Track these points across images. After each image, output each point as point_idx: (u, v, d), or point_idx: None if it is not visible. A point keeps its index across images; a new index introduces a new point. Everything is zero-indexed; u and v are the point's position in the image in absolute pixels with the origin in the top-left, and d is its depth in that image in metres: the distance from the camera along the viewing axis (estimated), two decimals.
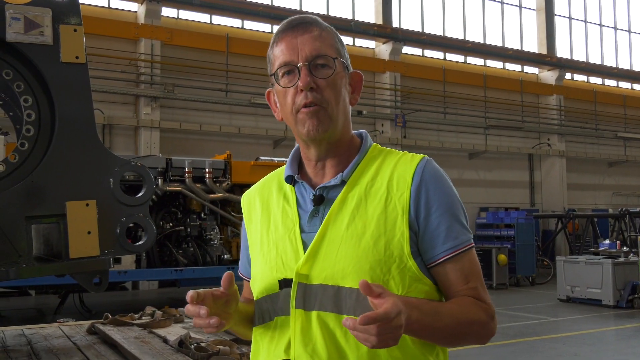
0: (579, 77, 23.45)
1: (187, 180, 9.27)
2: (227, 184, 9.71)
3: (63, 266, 2.93)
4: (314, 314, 1.24)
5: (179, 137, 14.92)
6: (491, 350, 7.16)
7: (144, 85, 14.57)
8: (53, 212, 2.87)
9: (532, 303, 11.74)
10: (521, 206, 20.71)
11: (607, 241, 13.62)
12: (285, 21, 1.36)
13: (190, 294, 1.16)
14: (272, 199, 1.42)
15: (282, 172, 1.46)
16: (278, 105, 1.38)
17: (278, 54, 1.33)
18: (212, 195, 9.42)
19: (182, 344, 3.09)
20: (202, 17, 16.13)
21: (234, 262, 9.68)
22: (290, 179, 1.39)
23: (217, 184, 9.60)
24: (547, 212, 20.16)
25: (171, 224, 9.43)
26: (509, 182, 21.16)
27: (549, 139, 21.58)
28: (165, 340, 3.30)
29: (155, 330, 3.68)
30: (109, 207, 2.99)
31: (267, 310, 1.32)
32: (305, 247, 1.29)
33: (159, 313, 4.24)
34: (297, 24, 1.33)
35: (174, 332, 3.60)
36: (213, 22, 16.28)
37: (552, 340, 7.36)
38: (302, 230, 1.31)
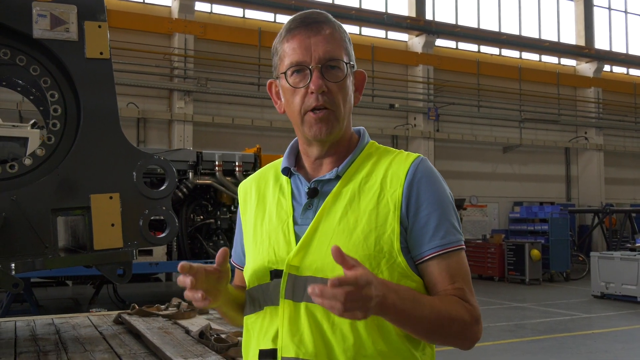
0: (618, 69, 22.85)
1: (217, 173, 9.37)
2: None
3: (87, 257, 3.01)
4: (302, 305, 1.26)
5: (211, 130, 15.09)
6: (520, 346, 7.08)
7: (177, 79, 14.76)
8: (78, 205, 2.94)
9: (565, 299, 11.54)
10: (557, 201, 20.33)
11: None
12: (297, 16, 1.36)
13: (181, 264, 1.17)
14: (268, 190, 1.44)
15: (279, 163, 1.48)
16: (283, 99, 1.39)
17: (289, 52, 1.33)
18: None
19: (202, 335, 3.14)
20: (235, 12, 16.25)
21: None
22: (286, 171, 1.41)
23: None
24: (584, 206, 19.75)
25: (202, 217, 9.55)
26: (545, 177, 20.79)
27: (586, 132, 21.13)
28: (187, 331, 3.36)
29: (179, 321, 3.75)
30: (132, 200, 3.05)
31: (258, 300, 1.34)
32: (297, 239, 1.31)
33: (184, 304, 4.32)
34: (311, 22, 1.33)
35: (197, 324, 3.66)
36: (246, 16, 16.39)
37: (584, 336, 7.24)
38: (295, 223, 1.33)
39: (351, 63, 1.36)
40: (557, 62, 21.49)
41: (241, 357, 3.01)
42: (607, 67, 22.04)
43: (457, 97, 18.29)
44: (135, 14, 14.28)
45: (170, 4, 15.17)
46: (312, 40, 1.31)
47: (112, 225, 3.00)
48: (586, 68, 21.46)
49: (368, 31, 18.02)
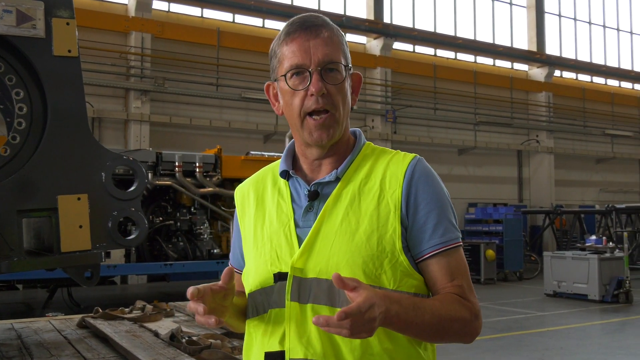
0: (568, 75, 23.59)
1: (177, 174, 9.26)
2: (218, 178, 9.70)
3: (55, 260, 2.93)
4: (308, 306, 1.27)
5: (168, 131, 14.88)
6: (480, 344, 7.23)
7: (134, 78, 14.50)
8: (45, 206, 2.87)
9: (520, 298, 11.84)
10: (510, 202, 20.84)
11: (593, 237, 13.75)
12: (295, 20, 1.38)
13: (190, 290, 1.19)
14: (266, 194, 1.45)
15: (276, 166, 1.48)
16: (281, 101, 1.40)
17: (289, 54, 1.34)
18: (202, 190, 9.42)
19: (173, 338, 3.10)
20: (193, 11, 16.06)
21: (224, 256, 9.69)
22: (285, 174, 1.42)
23: (208, 178, 9.60)
24: (535, 208, 20.30)
25: (161, 218, 9.41)
26: (498, 178, 21.28)
27: (537, 136, 21.72)
28: (156, 334, 3.31)
29: (146, 324, 3.69)
30: (100, 201, 2.99)
31: (262, 303, 1.34)
32: (300, 242, 1.32)
33: (149, 307, 4.25)
34: (310, 25, 1.34)
35: (164, 326, 3.61)
36: (204, 15, 16.22)
37: (539, 334, 7.45)
38: (296, 225, 1.34)
39: (349, 66, 1.38)
40: (510, 67, 22.03)
41: (214, 358, 2.97)
42: (557, 72, 22.71)
43: (414, 99, 18.55)
44: (91, 11, 13.96)
45: (127, 2, 14.89)
46: (312, 43, 1.32)
47: (80, 227, 2.93)
48: (538, 73, 22.08)
49: None
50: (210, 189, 9.48)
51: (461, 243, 1.34)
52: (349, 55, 1.39)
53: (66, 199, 2.92)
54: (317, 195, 1.34)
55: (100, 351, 3.09)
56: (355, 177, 1.35)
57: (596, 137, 23.43)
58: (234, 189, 9.20)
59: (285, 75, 1.35)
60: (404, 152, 1.40)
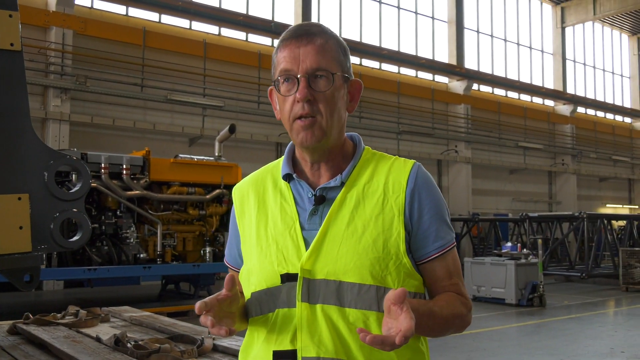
0: (485, 89, 24.67)
1: (103, 176, 8.95)
2: (145, 181, 9.46)
3: None
4: (318, 307, 1.31)
5: (90, 131, 14.35)
6: None
7: (53, 75, 13.89)
8: None
9: None
10: None
11: (509, 244, 14.43)
12: (291, 28, 1.41)
13: (197, 305, 1.23)
14: (267, 195, 1.46)
15: (275, 168, 1.51)
16: (278, 107, 1.43)
17: (280, 60, 1.38)
18: (129, 193, 9.15)
19: (118, 343, 3.02)
20: (118, 9, 15.60)
21: (150, 261, 9.45)
22: (287, 177, 1.44)
23: (135, 181, 9.34)
24: (454, 215, 21.05)
25: None
26: None
27: (456, 146, 22.56)
28: (98, 339, 3.21)
29: (83, 330, 3.56)
30: (42, 201, 2.87)
31: (267, 303, 1.36)
32: (306, 244, 1.35)
33: (83, 312, 4.10)
34: (302, 33, 1.37)
35: (103, 332, 3.50)
36: (129, 14, 15.80)
37: (463, 336, 7.72)
38: (302, 228, 1.37)
39: (344, 75, 1.40)
40: (432, 79, 22.79)
41: None
42: (475, 86, 23.72)
43: None
44: None
45: None
46: (302, 51, 1.35)
47: (21, 227, 2.81)
48: (457, 85, 22.96)
49: (256, 38, 18.06)
50: (137, 191, 9.23)
51: (455, 243, 1.44)
52: (345, 63, 1.42)
53: (6, 198, 2.79)
54: (323, 200, 1.38)
55: (39, 358, 2.96)
56: (358, 182, 1.40)
57: (510, 148, 24.63)
58: (162, 192, 8.96)
59: (277, 81, 1.39)
60: (403, 158, 1.47)
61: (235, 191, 1.55)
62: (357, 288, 1.29)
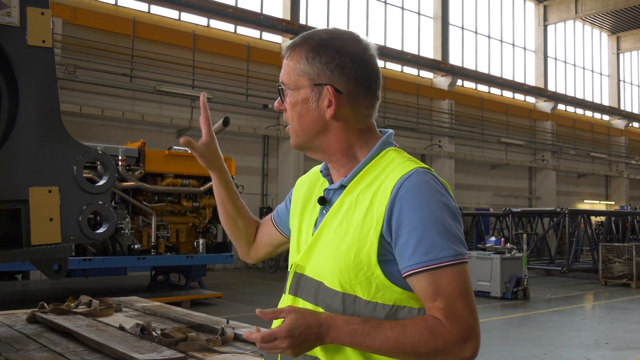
0: (469, 84, 24.97)
1: (98, 167, 8.96)
2: (140, 172, 9.50)
3: (24, 253, 2.89)
4: (300, 301, 1.41)
5: (78, 121, 14.30)
6: None
7: None
8: (15, 198, 2.82)
9: None
10: None
11: (493, 238, 14.71)
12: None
13: (182, 139, 1.54)
14: (314, 190, 1.56)
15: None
16: None
17: None
18: (123, 184, 9.20)
19: (144, 331, 3.13)
20: None
21: (145, 252, 9.51)
22: (322, 174, 1.56)
23: (130, 172, 9.37)
24: None
25: None
26: None
27: (440, 141, 22.83)
28: (122, 328, 3.31)
29: (101, 319, 3.66)
30: (71, 194, 2.97)
31: (286, 283, 1.50)
32: None
33: (96, 302, 4.19)
34: (289, 46, 1.46)
35: (121, 321, 3.59)
36: (119, 4, 15.72)
37: None
38: (316, 224, 1.46)
39: (316, 83, 1.38)
40: (417, 74, 23.00)
41: (192, 350, 3.05)
42: (459, 82, 23.99)
43: None
44: None
45: None
46: (283, 63, 1.46)
47: (51, 219, 2.91)
48: (442, 81, 23.21)
49: (244, 30, 18.08)
50: (132, 183, 9.27)
51: (457, 260, 1.26)
52: (316, 71, 1.38)
53: (38, 190, 2.89)
54: (324, 201, 1.45)
55: (67, 345, 3.04)
56: (357, 187, 1.38)
57: (492, 144, 24.99)
58: (156, 183, 9.03)
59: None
60: (408, 163, 1.36)
61: (298, 181, 1.67)
62: (328, 291, 1.34)
